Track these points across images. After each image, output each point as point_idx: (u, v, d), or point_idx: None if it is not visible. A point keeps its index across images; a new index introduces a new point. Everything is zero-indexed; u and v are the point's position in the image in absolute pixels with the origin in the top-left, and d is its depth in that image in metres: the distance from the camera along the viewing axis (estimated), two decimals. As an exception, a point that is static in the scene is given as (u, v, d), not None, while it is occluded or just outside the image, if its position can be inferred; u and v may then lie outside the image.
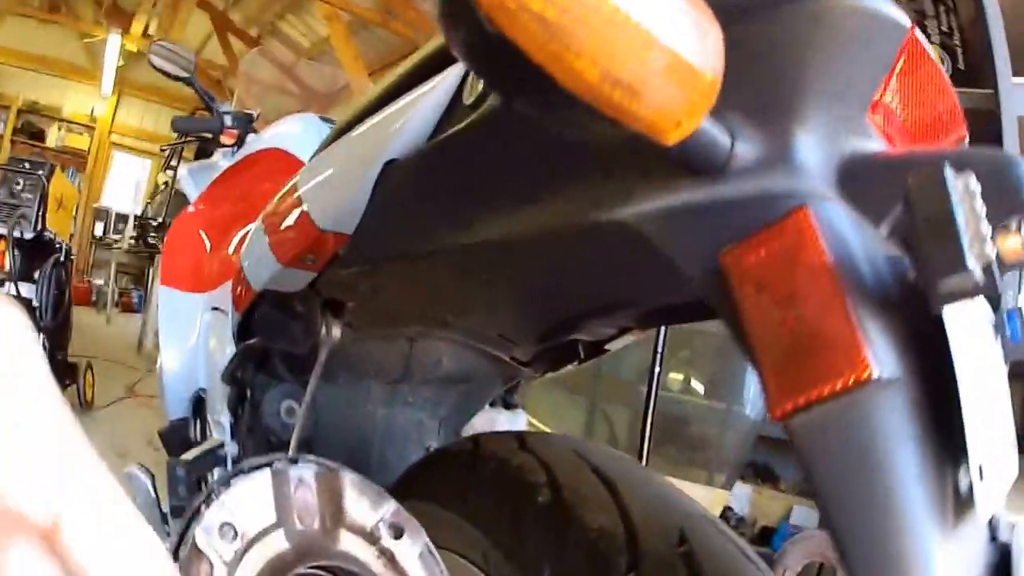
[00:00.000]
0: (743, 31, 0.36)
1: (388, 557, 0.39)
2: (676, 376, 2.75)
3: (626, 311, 0.88)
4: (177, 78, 1.75)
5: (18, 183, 3.32)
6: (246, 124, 1.85)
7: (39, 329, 2.96)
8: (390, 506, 0.41)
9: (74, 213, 4.70)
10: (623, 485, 0.60)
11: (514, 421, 1.24)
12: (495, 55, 0.29)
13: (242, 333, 0.99)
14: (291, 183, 0.80)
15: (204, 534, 0.38)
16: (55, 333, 3.29)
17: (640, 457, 2.00)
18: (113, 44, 7.92)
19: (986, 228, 0.30)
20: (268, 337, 0.92)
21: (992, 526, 0.40)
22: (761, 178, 0.37)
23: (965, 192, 0.30)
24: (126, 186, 9.58)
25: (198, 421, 1.37)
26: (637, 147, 0.33)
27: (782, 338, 0.31)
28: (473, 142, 0.55)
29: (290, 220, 0.77)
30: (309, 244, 0.72)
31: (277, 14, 7.58)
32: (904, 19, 0.41)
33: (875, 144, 0.42)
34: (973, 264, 0.29)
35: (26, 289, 3.16)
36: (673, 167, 0.38)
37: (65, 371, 3.35)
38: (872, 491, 0.32)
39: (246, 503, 0.36)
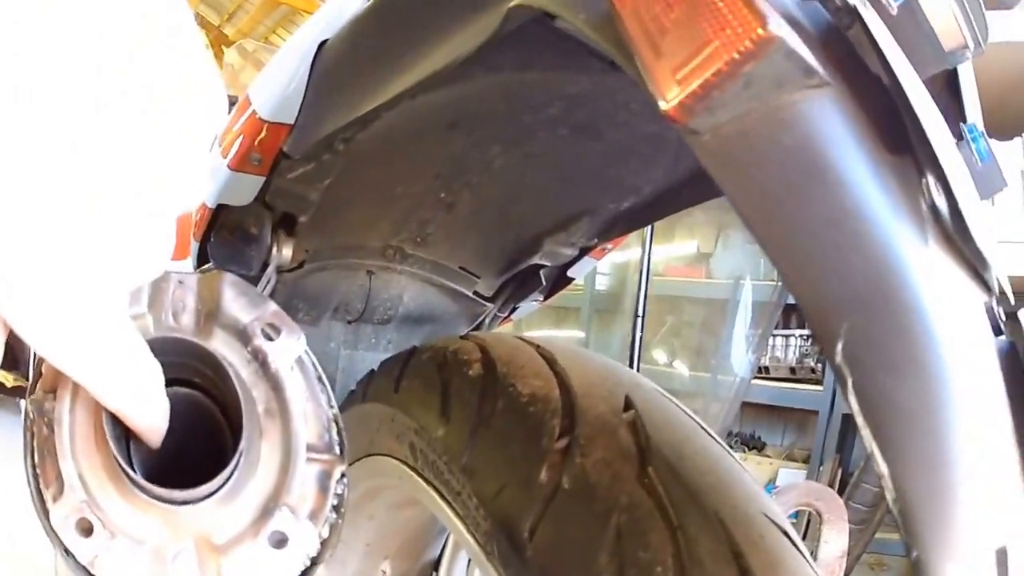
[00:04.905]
0: None
1: (260, 361, 0.37)
2: (660, 351, 2.73)
3: (582, 222, 0.87)
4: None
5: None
6: (231, 107, 1.88)
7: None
8: (270, 307, 0.38)
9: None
10: (564, 358, 0.58)
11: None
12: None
13: (201, 263, 0.97)
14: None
15: None
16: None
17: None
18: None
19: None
20: (222, 261, 0.90)
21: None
22: None
23: None
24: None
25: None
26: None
27: (658, 14, 0.28)
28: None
29: (239, 122, 0.76)
30: (253, 138, 0.71)
31: (269, 28, 7.80)
32: None
33: None
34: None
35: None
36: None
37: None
38: (824, 204, 0.27)
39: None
